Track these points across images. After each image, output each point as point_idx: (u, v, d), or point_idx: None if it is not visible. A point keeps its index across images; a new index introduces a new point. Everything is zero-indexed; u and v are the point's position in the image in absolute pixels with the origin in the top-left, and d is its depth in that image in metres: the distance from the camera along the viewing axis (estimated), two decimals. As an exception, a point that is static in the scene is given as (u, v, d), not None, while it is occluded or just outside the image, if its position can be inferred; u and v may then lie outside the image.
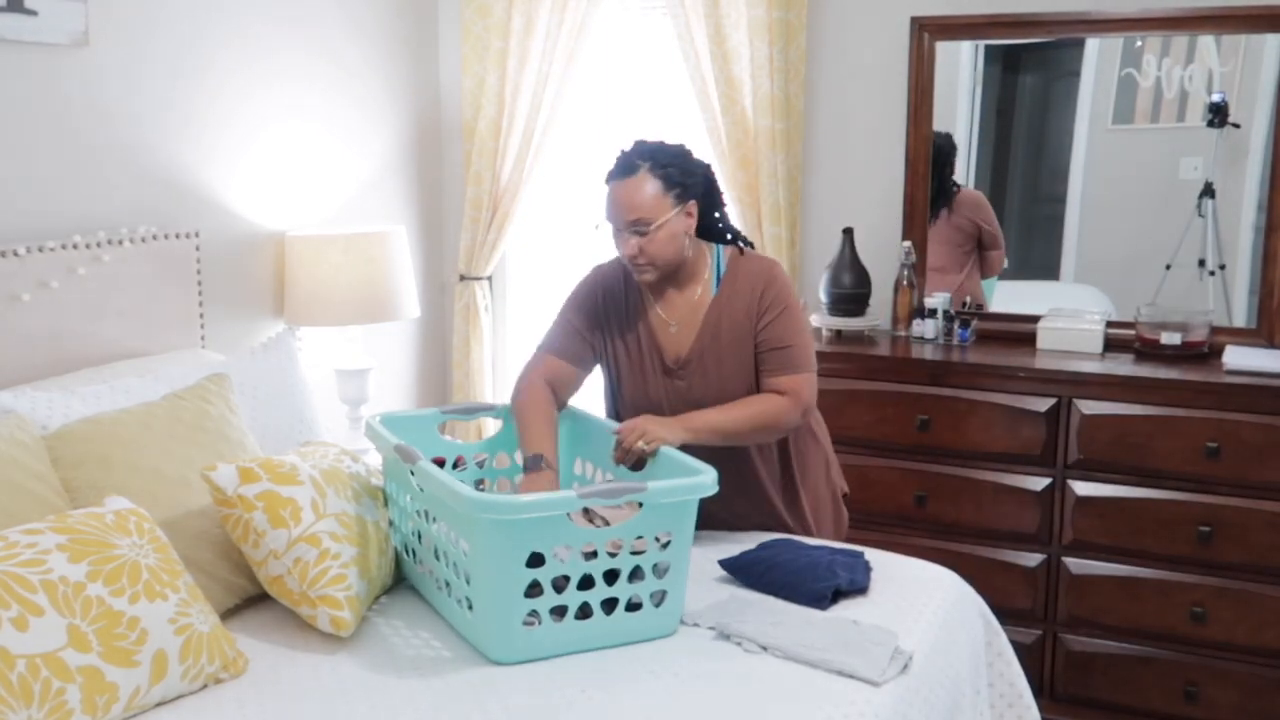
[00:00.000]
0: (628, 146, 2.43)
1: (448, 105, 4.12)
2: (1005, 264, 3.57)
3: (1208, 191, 3.27)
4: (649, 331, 2.53)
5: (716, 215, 2.54)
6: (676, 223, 2.40)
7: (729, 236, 2.56)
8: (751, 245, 2.58)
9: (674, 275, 2.49)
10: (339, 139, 3.67)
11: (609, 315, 2.58)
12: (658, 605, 2.11)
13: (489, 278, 4.08)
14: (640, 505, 2.06)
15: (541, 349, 2.60)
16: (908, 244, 3.44)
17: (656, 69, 3.87)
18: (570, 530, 2.01)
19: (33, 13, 2.64)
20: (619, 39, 3.92)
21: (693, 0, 3.56)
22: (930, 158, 3.50)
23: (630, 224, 2.37)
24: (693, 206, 2.42)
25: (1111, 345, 3.25)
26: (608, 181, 2.43)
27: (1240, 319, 3.28)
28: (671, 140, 2.48)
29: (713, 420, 2.38)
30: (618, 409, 2.62)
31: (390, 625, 2.20)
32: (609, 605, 2.06)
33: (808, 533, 2.63)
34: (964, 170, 3.58)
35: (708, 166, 2.51)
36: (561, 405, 2.58)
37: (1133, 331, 3.25)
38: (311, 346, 3.47)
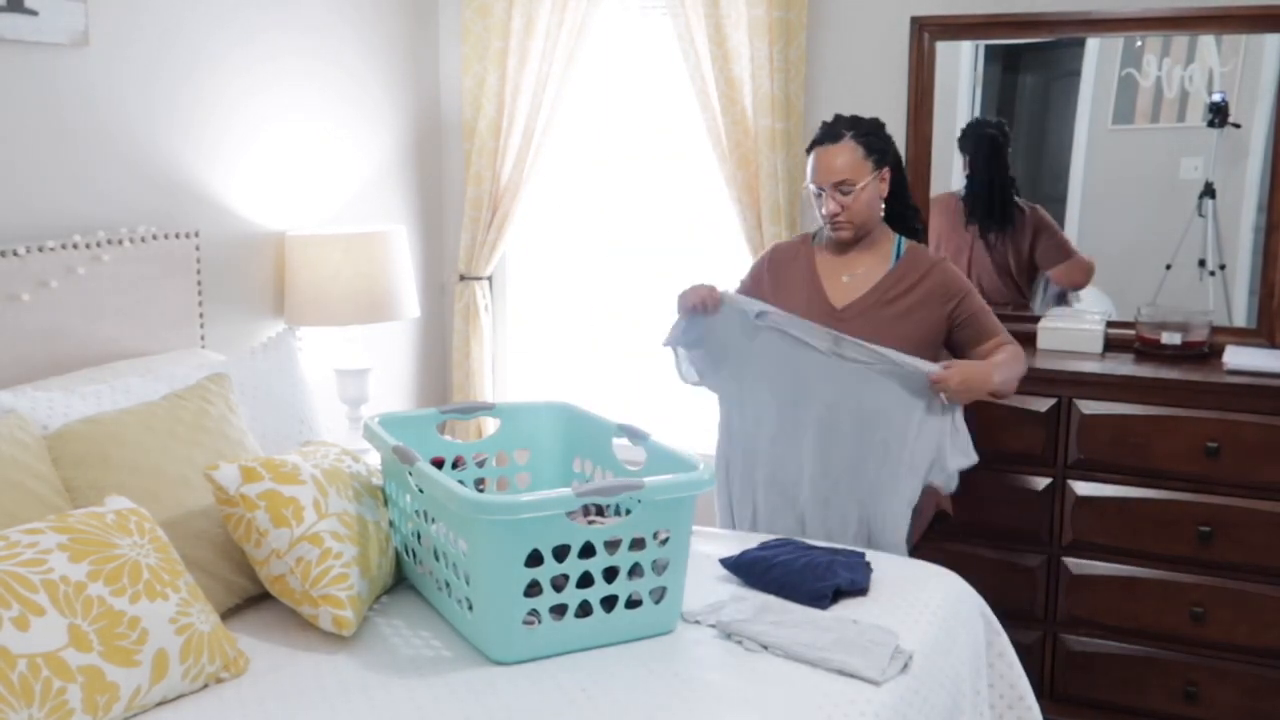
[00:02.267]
0: (829, 119, 2.81)
1: (448, 105, 4.12)
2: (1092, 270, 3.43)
3: (1208, 191, 3.27)
4: (818, 282, 2.84)
5: (905, 197, 2.89)
6: (873, 186, 2.76)
7: (909, 219, 2.90)
8: (924, 231, 3.00)
9: (862, 241, 2.83)
10: (339, 139, 3.67)
11: (778, 273, 2.91)
12: (657, 602, 2.11)
13: (489, 278, 4.08)
14: None
15: None
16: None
17: (656, 69, 3.87)
18: (569, 529, 2.01)
19: (33, 13, 2.64)
20: (619, 39, 3.93)
21: (693, 0, 3.56)
22: (928, 157, 3.49)
23: (835, 185, 2.73)
24: (887, 173, 2.78)
25: (1112, 345, 3.25)
26: (812, 148, 2.80)
27: (1240, 319, 3.28)
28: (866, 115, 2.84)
29: (1004, 371, 2.68)
30: None
31: (390, 625, 2.20)
32: (609, 603, 2.07)
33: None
34: (964, 170, 3.57)
35: (894, 142, 2.85)
36: None
37: (1133, 331, 3.25)
38: (311, 346, 3.47)
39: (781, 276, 2.91)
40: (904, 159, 3.45)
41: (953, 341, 2.82)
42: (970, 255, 3.49)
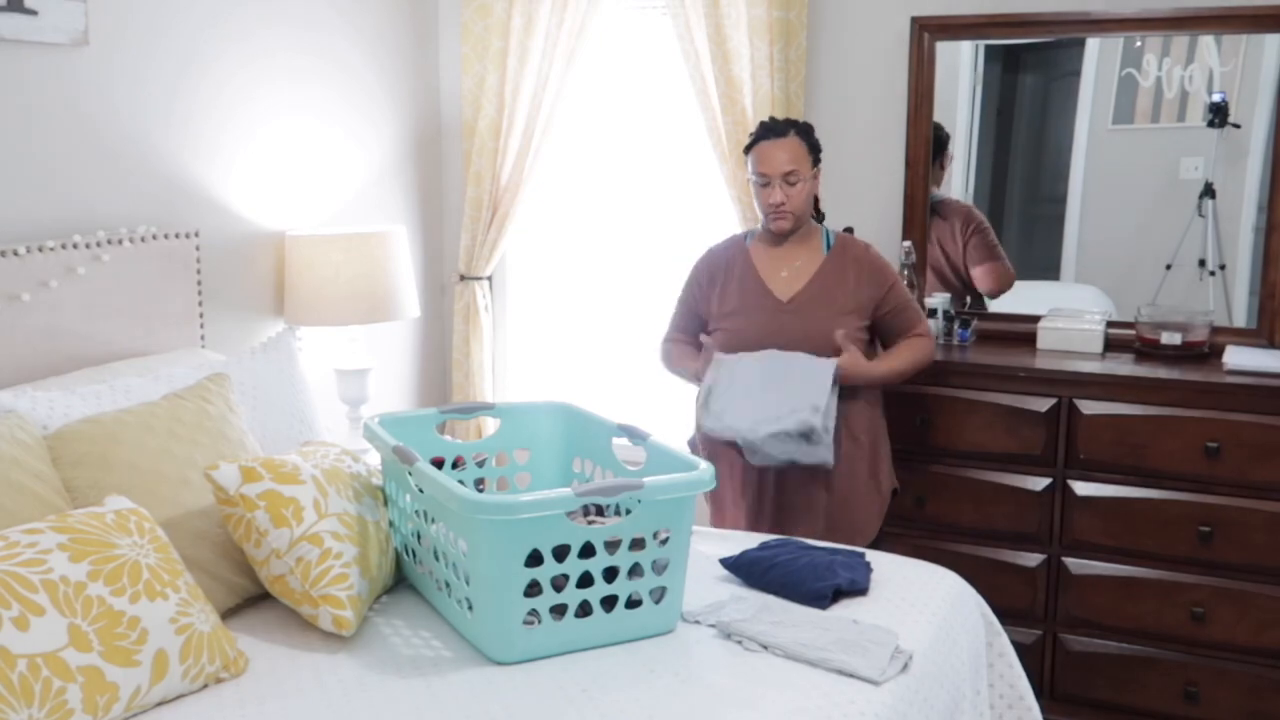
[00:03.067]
0: (766, 119, 2.95)
1: (448, 105, 4.12)
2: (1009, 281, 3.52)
3: (1208, 191, 3.27)
4: (758, 278, 2.95)
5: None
6: (812, 182, 2.93)
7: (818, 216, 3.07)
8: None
9: (795, 234, 2.95)
10: (339, 139, 3.67)
11: (714, 278, 3.01)
12: (657, 602, 2.11)
13: (489, 278, 4.08)
14: None
15: (668, 336, 3.11)
16: (908, 244, 3.43)
17: (656, 69, 3.87)
18: (568, 529, 2.01)
19: (33, 13, 2.64)
20: (619, 39, 3.92)
21: (693, 0, 3.56)
22: (928, 158, 3.49)
23: (784, 175, 2.85)
24: (819, 172, 2.95)
25: (1112, 345, 3.25)
26: (757, 142, 2.90)
27: (1240, 319, 3.28)
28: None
29: (894, 365, 2.89)
30: (727, 345, 2.94)
31: (390, 625, 2.20)
32: (609, 603, 2.07)
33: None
34: (963, 171, 3.58)
35: None
36: None
37: (1133, 331, 3.25)
38: (311, 346, 3.47)
39: (719, 277, 2.99)
40: (905, 158, 3.49)
41: (875, 325, 2.96)
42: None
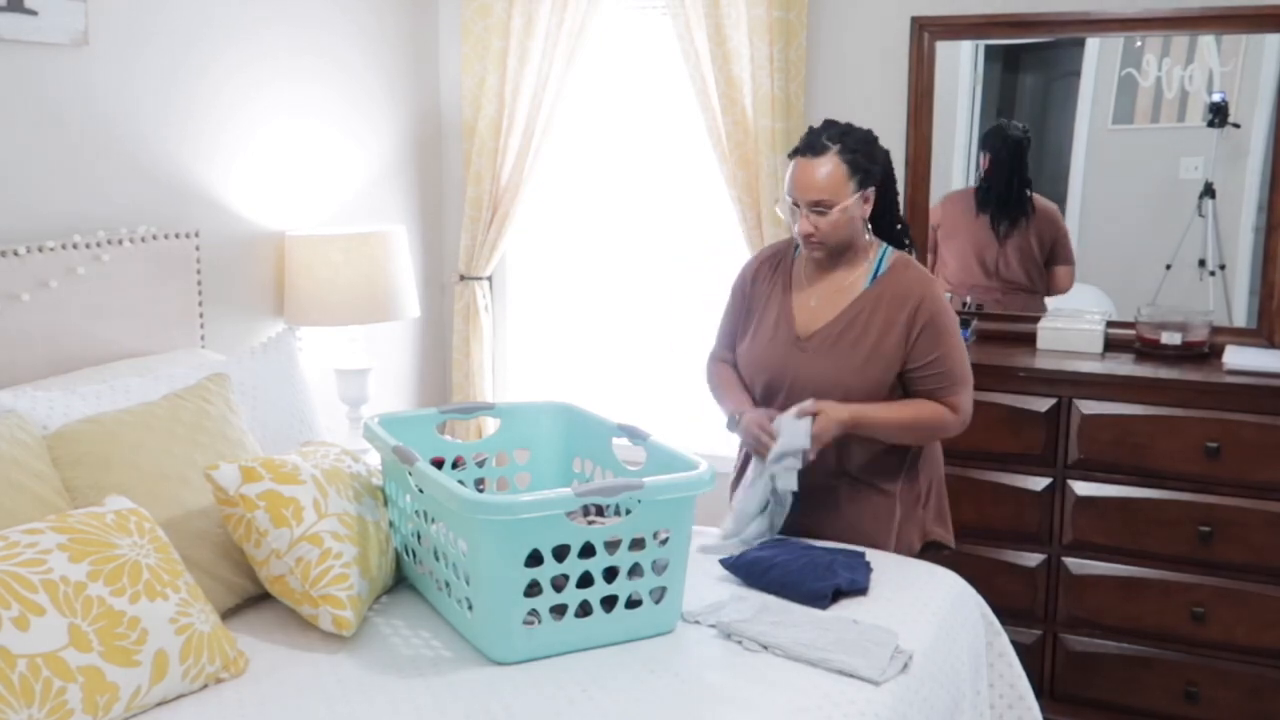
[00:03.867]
0: (817, 124, 2.50)
1: (448, 105, 4.12)
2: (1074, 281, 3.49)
3: (1208, 191, 3.27)
4: (788, 303, 2.59)
5: (892, 209, 2.59)
6: (855, 207, 2.46)
7: (898, 235, 2.61)
8: (915, 250, 2.67)
9: (840, 258, 2.54)
10: (339, 139, 3.67)
11: (756, 293, 2.65)
12: (657, 602, 2.11)
13: (489, 278, 4.08)
14: None
15: (713, 355, 2.75)
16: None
17: (656, 69, 3.87)
18: (568, 529, 2.01)
19: (33, 13, 2.63)
20: (619, 39, 3.92)
21: (693, 0, 3.56)
22: (928, 158, 3.49)
23: (811, 204, 2.43)
24: (871, 193, 2.47)
25: (1112, 345, 3.25)
26: (793, 156, 2.49)
27: (1240, 319, 3.28)
28: (858, 125, 2.52)
29: (880, 414, 2.45)
30: (738, 369, 2.69)
31: (390, 625, 2.20)
32: (608, 603, 2.07)
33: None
34: (963, 170, 3.58)
35: (888, 155, 2.55)
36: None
37: (1133, 331, 3.25)
38: (311, 346, 3.47)
39: (759, 291, 2.65)
40: (904, 159, 3.48)
41: (905, 379, 2.52)
42: (980, 240, 3.54)
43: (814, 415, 2.40)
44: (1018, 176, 3.49)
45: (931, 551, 2.65)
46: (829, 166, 2.42)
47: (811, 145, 2.45)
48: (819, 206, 2.43)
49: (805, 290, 2.58)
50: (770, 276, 2.64)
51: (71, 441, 2.24)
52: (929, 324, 2.46)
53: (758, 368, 2.60)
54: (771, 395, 2.58)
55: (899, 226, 2.62)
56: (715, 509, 3.04)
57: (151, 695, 1.85)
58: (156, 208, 3.02)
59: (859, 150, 2.44)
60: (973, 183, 3.57)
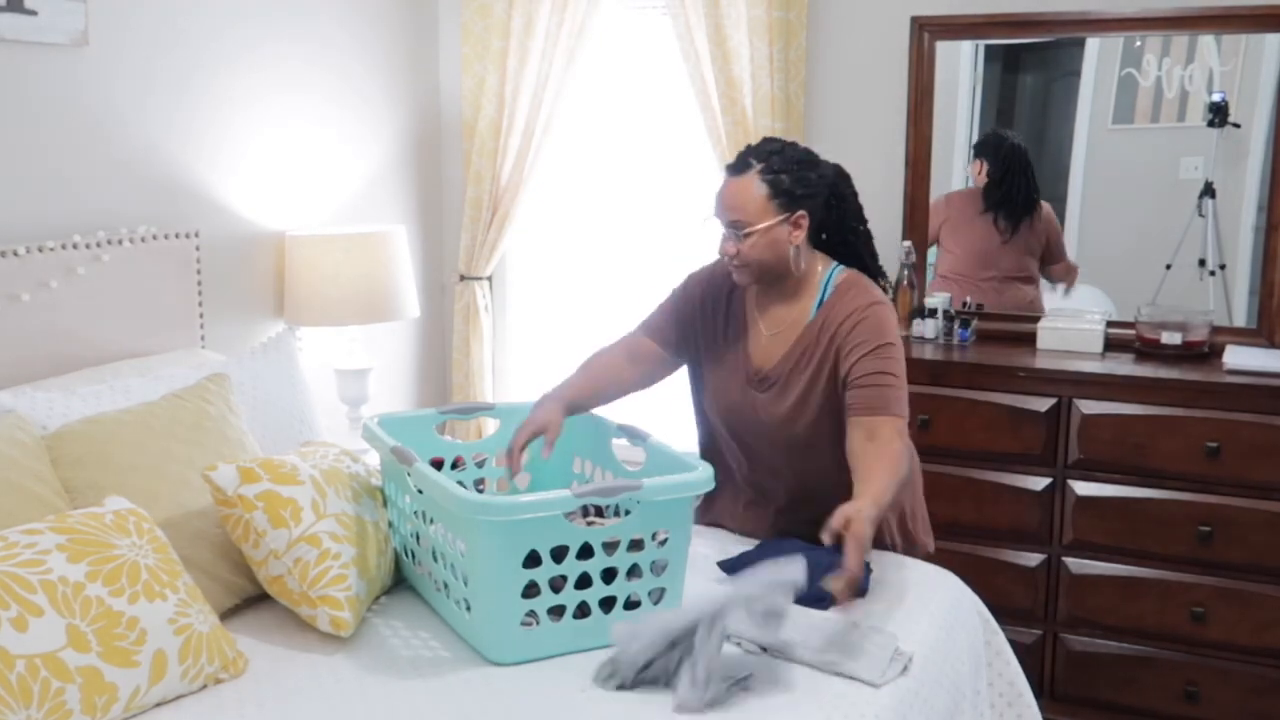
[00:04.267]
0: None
1: (448, 105, 4.12)
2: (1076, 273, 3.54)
3: (1208, 191, 3.27)
4: (744, 338, 2.41)
5: (847, 231, 2.39)
6: (779, 231, 2.27)
7: (870, 266, 2.42)
8: (880, 274, 2.43)
9: (780, 287, 2.36)
10: (339, 139, 3.67)
11: (707, 313, 2.47)
12: (656, 603, 2.11)
13: (489, 278, 4.08)
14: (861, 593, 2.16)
15: (635, 328, 2.53)
16: (908, 244, 3.44)
17: (656, 69, 3.87)
18: (567, 530, 2.01)
19: (33, 13, 2.64)
20: (619, 39, 3.92)
21: (693, 0, 3.56)
22: (928, 158, 3.49)
23: (730, 224, 2.29)
24: (802, 218, 2.28)
25: (1112, 345, 3.25)
26: (724, 173, 2.35)
27: (1240, 319, 3.28)
28: (799, 145, 2.36)
29: (884, 481, 2.12)
30: (704, 411, 2.53)
31: (389, 626, 2.20)
32: (607, 604, 2.07)
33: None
34: (964, 170, 3.58)
35: (835, 179, 2.35)
36: (636, 383, 2.51)
37: (1133, 331, 3.25)
38: (311, 346, 3.47)
39: (711, 311, 2.46)
40: (905, 158, 3.47)
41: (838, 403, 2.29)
42: (985, 239, 3.56)
43: (839, 539, 1.99)
44: (1026, 182, 3.51)
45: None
46: (749, 186, 2.26)
47: (737, 163, 2.31)
48: (736, 226, 2.28)
49: (758, 324, 2.41)
50: (724, 310, 2.46)
51: (71, 442, 2.24)
52: (867, 337, 2.25)
53: (719, 409, 2.46)
54: (736, 436, 2.46)
55: (856, 258, 2.41)
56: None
57: (150, 696, 1.85)
58: (156, 208, 3.03)
59: (785, 171, 2.26)
60: (972, 182, 3.57)
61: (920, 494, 2.61)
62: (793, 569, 1.95)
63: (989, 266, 3.58)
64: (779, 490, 2.47)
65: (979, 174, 3.55)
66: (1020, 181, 3.51)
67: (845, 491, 2.14)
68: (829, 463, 2.31)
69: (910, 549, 2.54)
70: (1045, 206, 3.50)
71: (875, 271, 2.43)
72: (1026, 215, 3.52)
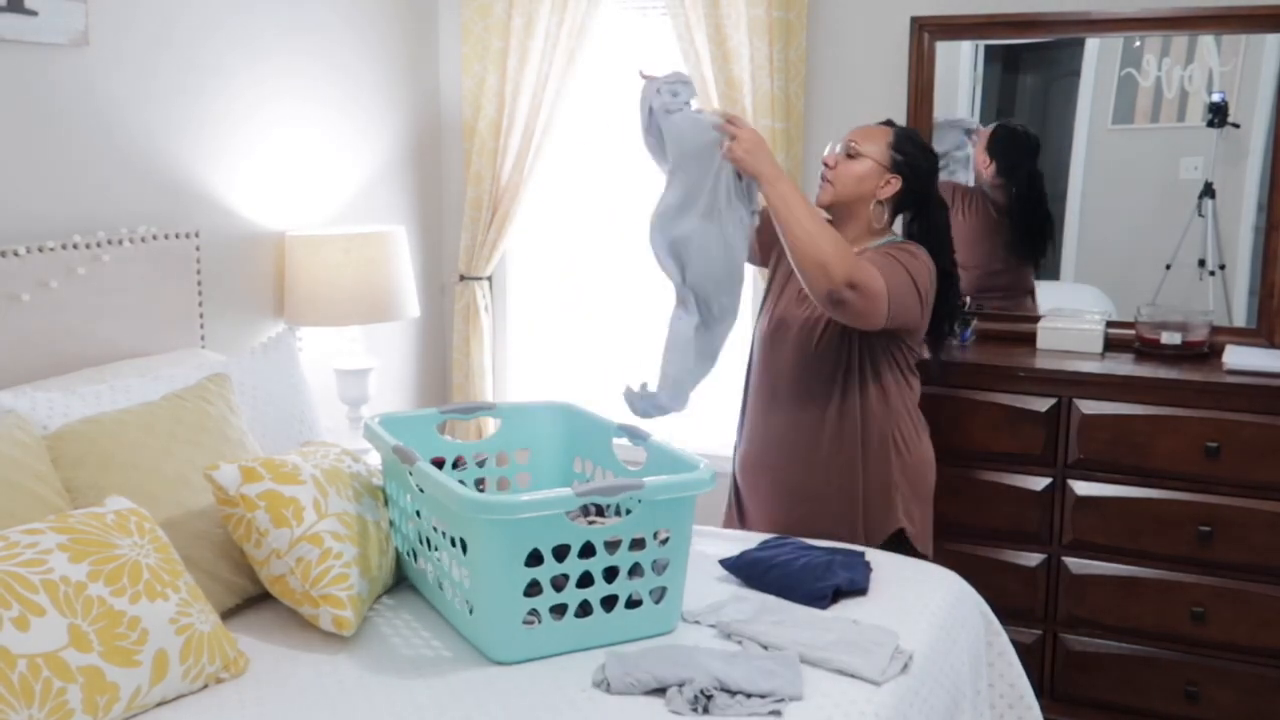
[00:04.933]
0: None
1: (448, 105, 4.12)
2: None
3: (1208, 191, 3.27)
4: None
5: (927, 223, 2.71)
6: (874, 171, 2.64)
7: (948, 274, 2.73)
8: (952, 269, 2.75)
9: (845, 227, 2.66)
10: (339, 139, 3.67)
11: None
12: (657, 602, 2.11)
13: (489, 278, 4.08)
14: None
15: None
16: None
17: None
18: (568, 529, 2.01)
19: (33, 13, 2.63)
20: (619, 39, 3.92)
21: (693, 0, 3.56)
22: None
23: (847, 143, 2.67)
24: (895, 180, 2.65)
25: (1112, 345, 3.25)
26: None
27: (1240, 319, 3.28)
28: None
29: (795, 200, 2.44)
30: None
31: (390, 625, 2.20)
32: (608, 603, 2.07)
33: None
34: (964, 170, 3.57)
35: (932, 178, 2.73)
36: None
37: (1133, 331, 3.25)
38: (311, 346, 3.47)
39: None
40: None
41: None
42: (989, 262, 3.58)
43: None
44: (1033, 176, 3.51)
45: (899, 548, 2.66)
46: (882, 132, 2.68)
47: (880, 122, 2.75)
48: (850, 145, 2.66)
49: None
50: None
51: (71, 442, 2.24)
52: (879, 252, 2.58)
53: (770, 320, 2.76)
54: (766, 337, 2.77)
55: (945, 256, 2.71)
56: (716, 509, 3.04)
57: (152, 695, 1.85)
58: (156, 208, 3.02)
59: (911, 140, 2.70)
60: (971, 182, 3.56)
61: (929, 493, 2.76)
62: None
63: (988, 290, 3.55)
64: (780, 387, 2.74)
65: (987, 169, 3.52)
66: (1041, 210, 3.49)
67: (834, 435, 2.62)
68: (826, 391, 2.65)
69: (883, 523, 2.66)
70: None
71: (949, 263, 2.73)
72: (1047, 242, 3.50)
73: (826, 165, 2.68)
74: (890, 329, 2.56)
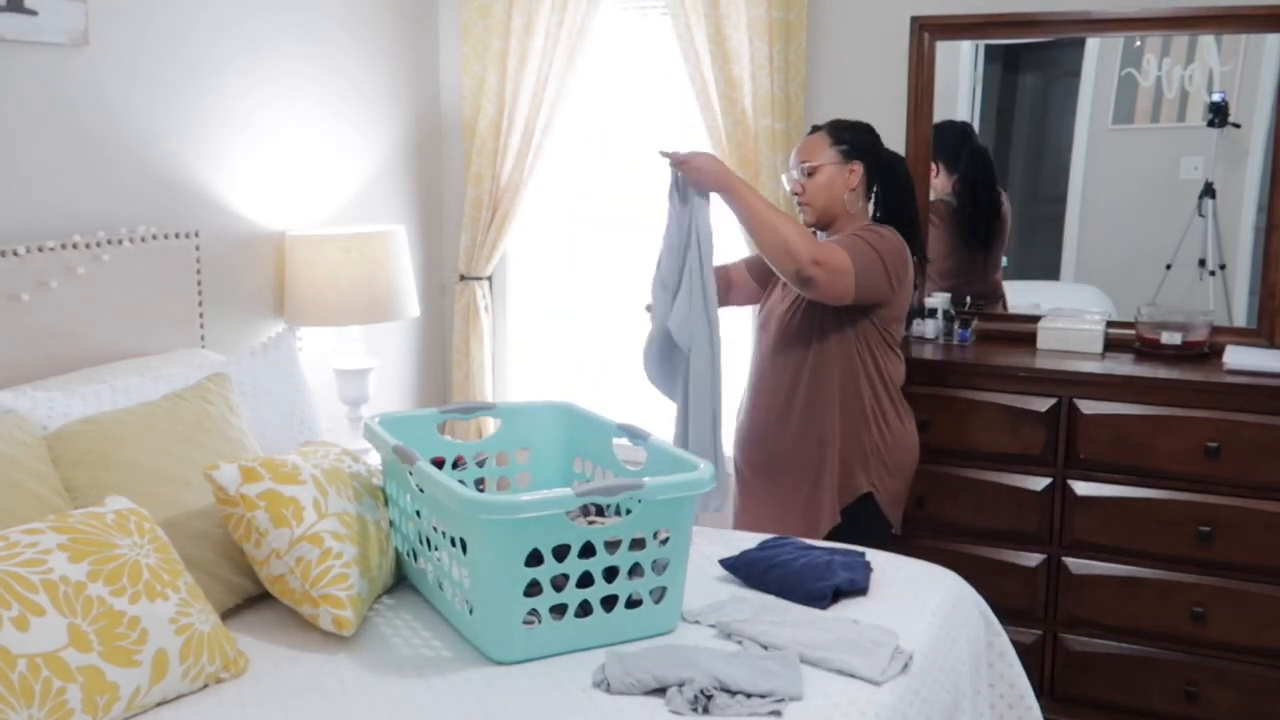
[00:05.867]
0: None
1: (448, 105, 4.12)
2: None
3: (1208, 191, 3.27)
4: None
5: (894, 205, 2.88)
6: (836, 173, 2.82)
7: (913, 232, 2.90)
8: (920, 248, 2.94)
9: (832, 230, 2.85)
10: (339, 139, 3.67)
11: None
12: (657, 602, 2.11)
13: (489, 278, 4.08)
14: None
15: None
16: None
17: (656, 69, 3.87)
18: (569, 529, 2.01)
19: (33, 13, 2.63)
20: (619, 39, 3.92)
21: (693, 0, 3.56)
22: (928, 158, 3.50)
23: (799, 164, 2.84)
24: (856, 166, 2.82)
25: (1112, 345, 3.25)
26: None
27: (1240, 319, 3.28)
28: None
29: (753, 199, 2.71)
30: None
31: (390, 625, 2.20)
32: (609, 603, 2.07)
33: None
34: (950, 180, 3.58)
35: (889, 155, 2.90)
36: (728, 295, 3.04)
37: (1133, 331, 3.25)
38: (311, 346, 3.47)
39: None
40: (904, 156, 3.46)
41: None
42: (952, 258, 3.62)
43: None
44: (988, 188, 3.54)
45: (866, 509, 2.83)
46: (817, 139, 2.86)
47: (809, 130, 2.92)
48: (804, 164, 2.83)
49: None
50: None
51: (71, 441, 2.24)
52: (853, 231, 2.77)
53: (763, 315, 2.97)
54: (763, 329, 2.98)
55: (909, 218, 2.88)
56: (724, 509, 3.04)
57: (151, 695, 1.85)
58: (156, 208, 3.02)
59: (844, 127, 2.86)
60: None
61: (904, 472, 2.89)
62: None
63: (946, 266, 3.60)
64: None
65: (936, 177, 3.53)
66: (985, 196, 3.53)
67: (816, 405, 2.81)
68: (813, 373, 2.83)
69: (852, 483, 2.81)
70: (1005, 202, 3.53)
71: (914, 241, 2.88)
72: (994, 230, 3.54)
73: (797, 194, 2.86)
74: (864, 303, 2.74)
